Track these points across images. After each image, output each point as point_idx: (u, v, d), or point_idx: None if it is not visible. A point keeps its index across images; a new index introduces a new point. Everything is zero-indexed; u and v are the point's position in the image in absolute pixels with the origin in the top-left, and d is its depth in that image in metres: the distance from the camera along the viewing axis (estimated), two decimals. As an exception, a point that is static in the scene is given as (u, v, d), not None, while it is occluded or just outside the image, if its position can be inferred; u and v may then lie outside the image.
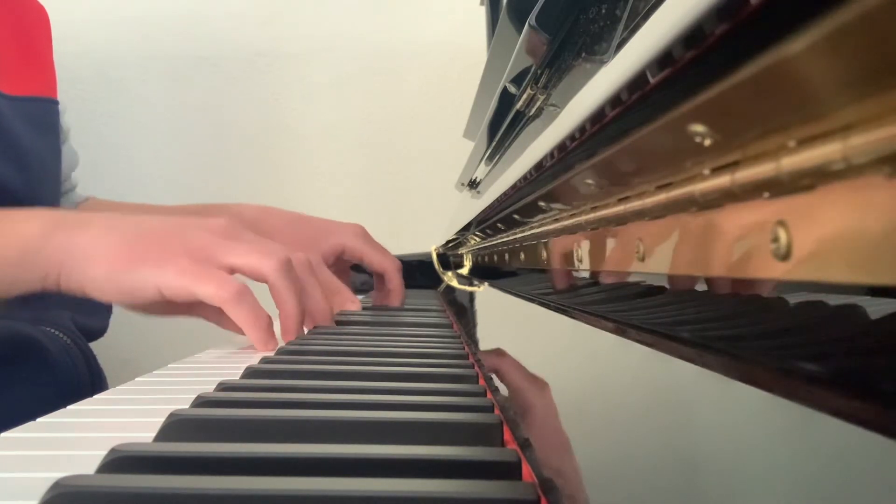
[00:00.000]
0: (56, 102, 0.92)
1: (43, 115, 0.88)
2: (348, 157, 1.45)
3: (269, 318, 0.58)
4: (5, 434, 0.32)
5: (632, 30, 0.22)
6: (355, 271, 0.98)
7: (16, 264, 0.59)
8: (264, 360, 0.46)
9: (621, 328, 0.28)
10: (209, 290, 0.56)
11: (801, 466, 0.14)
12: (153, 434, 0.29)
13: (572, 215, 0.35)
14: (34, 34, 0.91)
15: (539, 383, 0.35)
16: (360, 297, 0.94)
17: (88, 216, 0.62)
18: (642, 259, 0.24)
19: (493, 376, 0.41)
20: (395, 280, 0.87)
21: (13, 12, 0.89)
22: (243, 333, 0.65)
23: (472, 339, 0.58)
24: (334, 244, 0.87)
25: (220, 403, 0.33)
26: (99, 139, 1.41)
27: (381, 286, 0.89)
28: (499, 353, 0.48)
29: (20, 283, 0.60)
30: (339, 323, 0.69)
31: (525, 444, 0.27)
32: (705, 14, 0.15)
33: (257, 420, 0.29)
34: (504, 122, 0.54)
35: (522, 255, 0.53)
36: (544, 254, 0.43)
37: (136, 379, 0.47)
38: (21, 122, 0.83)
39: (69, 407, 0.38)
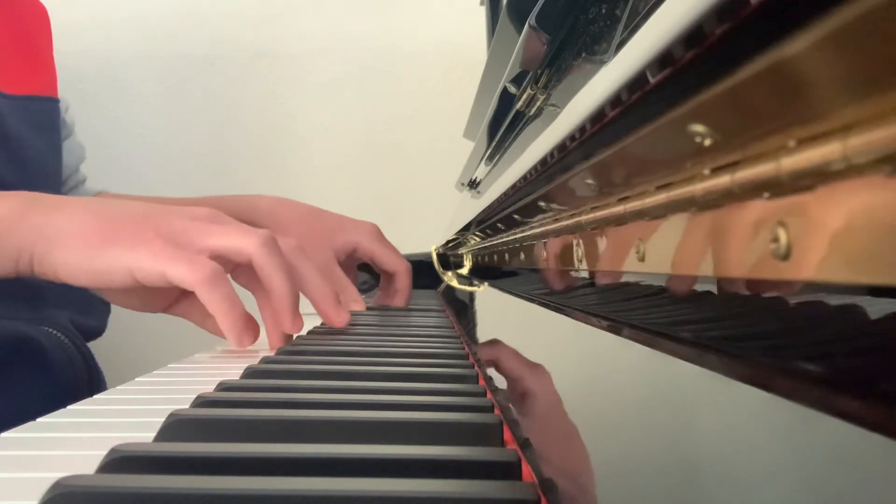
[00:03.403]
0: (56, 101, 0.92)
1: (43, 113, 0.88)
2: (348, 157, 1.45)
3: (245, 311, 0.55)
4: (5, 434, 0.32)
5: (632, 30, 0.22)
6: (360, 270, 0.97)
7: None
8: (264, 360, 0.46)
9: (621, 328, 0.28)
10: (181, 270, 0.52)
11: (801, 466, 0.14)
12: (153, 434, 0.29)
13: (572, 215, 0.35)
14: (34, 33, 0.91)
15: (538, 370, 0.35)
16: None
17: (63, 198, 0.59)
18: (642, 259, 0.24)
19: (493, 368, 0.41)
20: (403, 281, 0.87)
21: (13, 11, 0.89)
22: (226, 337, 0.63)
23: (472, 339, 0.58)
24: (347, 241, 0.86)
25: (220, 403, 0.33)
26: (99, 139, 1.41)
27: (386, 286, 0.89)
28: (495, 343, 0.48)
29: None
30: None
31: (525, 444, 0.27)
32: (705, 14, 0.15)
33: (257, 420, 0.29)
34: (504, 122, 0.54)
35: (522, 255, 0.53)
36: (544, 254, 0.43)
37: (136, 379, 0.47)
38: (21, 121, 0.83)
39: (69, 407, 0.38)
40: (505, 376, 0.38)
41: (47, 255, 0.55)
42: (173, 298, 0.60)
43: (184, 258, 0.53)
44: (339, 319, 0.62)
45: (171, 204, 0.92)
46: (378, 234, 0.89)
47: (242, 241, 0.55)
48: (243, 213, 0.88)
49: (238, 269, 0.60)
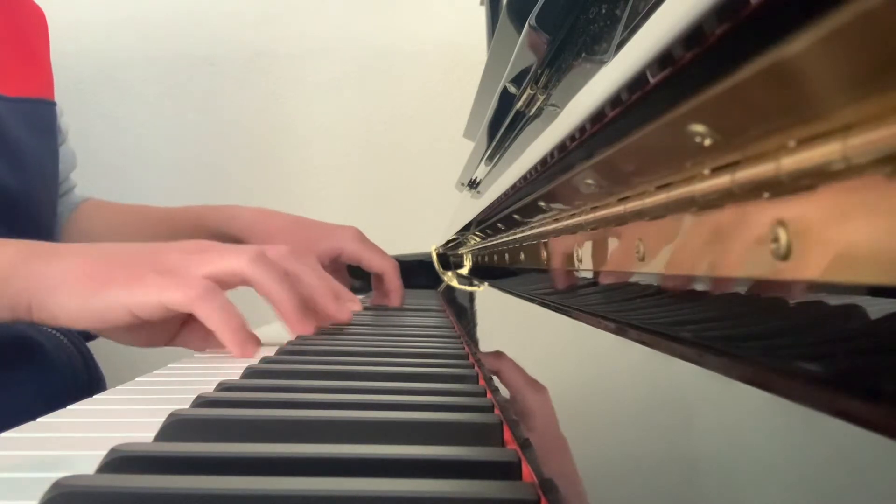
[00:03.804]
0: (53, 104, 0.92)
1: (40, 116, 0.89)
2: (348, 158, 1.45)
3: (242, 319, 0.56)
4: (5, 434, 0.32)
5: (632, 30, 0.22)
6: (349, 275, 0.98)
7: None
8: (264, 360, 0.46)
9: (621, 328, 0.28)
10: (176, 294, 0.53)
11: (801, 466, 0.14)
12: (153, 434, 0.29)
13: (572, 215, 0.35)
14: (31, 35, 0.91)
15: (539, 389, 0.35)
16: (358, 297, 0.95)
17: (59, 246, 0.60)
18: (642, 259, 0.24)
19: (495, 378, 0.41)
20: (394, 280, 0.88)
21: (10, 14, 0.89)
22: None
23: (472, 339, 0.58)
24: (331, 247, 0.87)
25: (220, 403, 0.33)
26: (99, 139, 1.42)
27: (379, 287, 0.90)
28: (499, 355, 0.48)
29: None
30: (338, 323, 0.69)
31: (525, 444, 0.27)
32: (705, 14, 0.15)
33: (257, 420, 0.29)
34: (504, 122, 0.54)
35: (522, 255, 0.53)
36: (544, 254, 0.43)
37: (136, 379, 0.47)
38: (18, 124, 0.83)
39: (69, 407, 0.38)
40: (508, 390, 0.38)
41: (46, 301, 0.56)
42: (174, 332, 0.61)
43: (175, 282, 0.54)
44: (342, 315, 0.62)
45: (166, 216, 0.93)
46: (361, 236, 0.90)
47: (233, 262, 0.57)
48: (224, 223, 0.89)
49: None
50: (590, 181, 0.30)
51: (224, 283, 0.57)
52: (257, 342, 0.56)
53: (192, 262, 0.56)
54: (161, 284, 0.54)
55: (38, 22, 0.94)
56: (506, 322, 0.56)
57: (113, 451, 0.25)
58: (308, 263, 0.64)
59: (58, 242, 0.64)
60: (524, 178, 0.39)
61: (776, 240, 0.15)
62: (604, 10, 0.31)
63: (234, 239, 0.86)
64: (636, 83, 0.20)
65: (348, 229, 0.90)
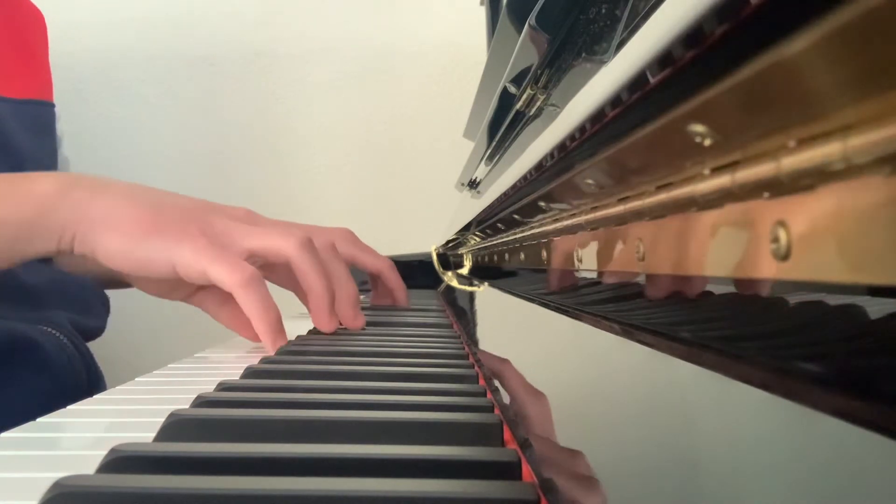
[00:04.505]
0: (52, 105, 0.92)
1: (39, 117, 0.89)
2: (348, 158, 1.45)
3: (279, 314, 0.56)
4: (5, 434, 0.32)
5: (632, 30, 0.22)
6: None
7: (31, 223, 0.57)
8: (264, 361, 0.46)
9: (621, 328, 0.28)
10: (222, 272, 0.53)
11: (801, 466, 0.14)
12: (153, 434, 0.29)
13: (572, 215, 0.35)
14: (30, 37, 0.92)
15: (538, 390, 0.35)
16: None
17: (107, 180, 0.60)
18: (642, 259, 0.24)
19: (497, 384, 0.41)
20: (392, 278, 0.88)
21: (9, 15, 0.89)
22: (238, 331, 0.64)
23: (472, 339, 0.58)
24: None
25: (220, 403, 0.33)
26: (99, 139, 1.42)
27: (376, 287, 0.90)
28: (498, 355, 0.48)
29: (36, 242, 0.57)
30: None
31: (525, 444, 0.27)
32: (705, 14, 0.15)
33: (257, 420, 0.29)
34: (504, 122, 0.54)
35: (522, 255, 0.53)
36: (544, 254, 0.43)
37: (136, 379, 0.47)
38: (17, 125, 0.83)
39: (69, 407, 0.38)
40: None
41: (89, 234, 0.56)
42: (193, 289, 0.62)
43: (225, 260, 0.54)
44: (357, 322, 0.63)
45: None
46: (353, 238, 0.90)
47: (281, 243, 0.57)
48: None
49: (274, 267, 0.62)
50: (590, 181, 0.30)
51: (266, 259, 0.58)
52: (285, 337, 0.57)
53: (241, 232, 0.57)
54: (211, 255, 0.54)
55: (36, 24, 0.94)
56: (506, 322, 0.56)
57: (113, 451, 0.25)
58: (343, 262, 0.64)
59: None
60: (524, 177, 0.39)
61: (776, 240, 0.15)
62: (604, 10, 0.31)
63: None
64: (636, 83, 0.20)
65: (340, 230, 0.90)
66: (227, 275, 0.53)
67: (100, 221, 0.56)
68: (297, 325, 0.63)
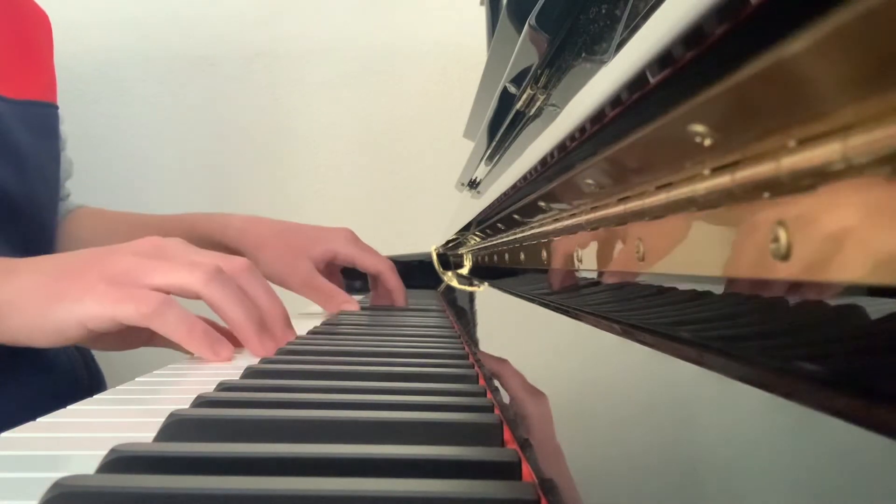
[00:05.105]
0: (56, 107, 0.92)
1: (43, 118, 0.88)
2: (348, 158, 1.45)
3: (205, 326, 0.54)
4: (5, 434, 0.32)
5: (632, 30, 0.22)
6: (345, 276, 0.98)
7: None
8: (264, 361, 0.46)
9: (621, 328, 0.28)
10: (128, 310, 0.51)
11: (801, 466, 0.14)
12: (153, 434, 0.29)
13: (572, 215, 0.35)
14: (35, 39, 0.91)
15: (538, 390, 0.35)
16: (357, 297, 0.95)
17: (15, 263, 0.58)
18: (642, 259, 0.24)
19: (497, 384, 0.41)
20: (392, 279, 0.88)
21: (14, 17, 0.89)
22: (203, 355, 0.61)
23: (472, 339, 0.58)
24: (325, 250, 0.87)
25: (220, 403, 0.33)
26: (99, 139, 1.42)
27: (376, 287, 0.90)
28: (502, 362, 0.48)
29: None
30: (338, 323, 0.69)
31: (525, 444, 0.27)
32: (705, 14, 0.15)
33: (257, 420, 0.29)
34: (504, 122, 0.54)
35: (522, 255, 0.53)
36: (544, 254, 0.43)
37: (136, 379, 0.47)
38: (20, 126, 0.83)
39: (69, 407, 0.38)
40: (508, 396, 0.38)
41: (5, 321, 0.54)
42: (147, 334, 0.58)
43: (129, 297, 0.52)
44: (285, 338, 0.59)
45: (157, 224, 0.91)
46: (354, 238, 0.89)
47: (187, 279, 0.54)
48: (216, 232, 0.88)
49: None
50: (590, 181, 0.30)
51: (173, 294, 0.54)
52: (228, 343, 0.55)
53: (145, 269, 0.54)
54: (113, 297, 0.52)
55: (42, 25, 0.94)
56: (506, 322, 0.56)
57: (113, 451, 0.25)
58: (263, 282, 0.61)
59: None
60: (524, 178, 0.39)
61: (776, 240, 0.15)
62: (604, 10, 0.31)
63: (227, 247, 0.85)
64: (636, 83, 0.20)
65: (341, 231, 0.90)
66: (133, 311, 0.51)
67: (10, 307, 0.54)
68: (297, 326, 0.63)
